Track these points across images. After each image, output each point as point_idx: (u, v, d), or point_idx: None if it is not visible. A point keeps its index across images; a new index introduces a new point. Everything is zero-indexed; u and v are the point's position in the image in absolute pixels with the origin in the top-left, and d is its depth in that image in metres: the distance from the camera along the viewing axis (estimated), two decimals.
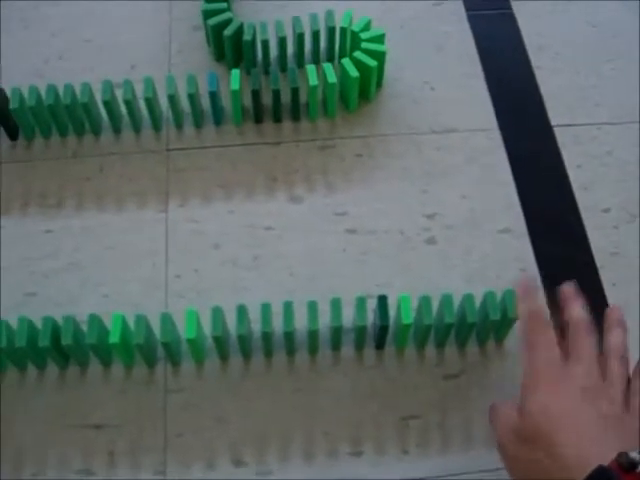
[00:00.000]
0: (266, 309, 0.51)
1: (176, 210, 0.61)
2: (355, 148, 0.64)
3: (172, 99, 0.62)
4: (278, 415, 0.51)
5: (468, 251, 0.59)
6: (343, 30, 0.66)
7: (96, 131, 0.64)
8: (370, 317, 0.52)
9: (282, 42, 0.66)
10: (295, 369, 0.53)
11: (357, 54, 0.64)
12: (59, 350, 0.51)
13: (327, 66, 0.63)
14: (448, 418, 0.51)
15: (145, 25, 0.72)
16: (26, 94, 0.62)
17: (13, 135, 0.64)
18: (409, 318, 0.50)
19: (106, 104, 0.62)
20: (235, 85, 0.62)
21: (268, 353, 0.53)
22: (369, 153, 0.64)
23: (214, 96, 0.62)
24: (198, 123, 0.65)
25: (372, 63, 0.63)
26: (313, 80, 0.62)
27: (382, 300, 0.51)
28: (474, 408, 0.52)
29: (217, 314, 0.50)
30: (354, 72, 0.63)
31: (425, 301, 0.51)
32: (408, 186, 0.62)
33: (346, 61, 0.63)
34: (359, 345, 0.54)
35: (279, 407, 0.52)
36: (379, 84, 0.67)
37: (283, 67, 0.68)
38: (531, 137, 0.65)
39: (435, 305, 0.51)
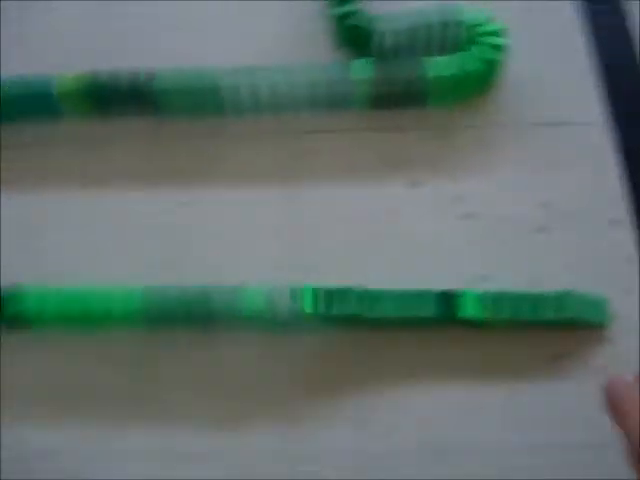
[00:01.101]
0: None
1: (302, 194, 0.65)
2: (472, 136, 0.67)
3: (297, 85, 0.66)
4: None
5: (579, 243, 0.62)
6: (465, 22, 0.69)
7: (227, 113, 0.69)
8: None
9: (407, 31, 0.69)
10: None
11: (477, 47, 0.67)
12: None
13: (449, 57, 0.66)
14: None
15: (270, 10, 0.76)
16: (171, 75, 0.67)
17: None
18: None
19: (234, 89, 0.66)
20: (359, 73, 0.66)
21: None
22: (486, 142, 0.67)
23: (337, 84, 0.66)
24: (323, 109, 0.69)
25: (492, 56, 0.66)
26: (436, 70, 0.65)
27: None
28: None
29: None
30: (475, 64, 0.66)
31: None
32: (523, 175, 0.65)
33: (467, 53, 0.66)
34: None
35: None
36: (496, 75, 0.70)
37: (406, 56, 0.71)
38: None
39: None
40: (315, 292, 0.57)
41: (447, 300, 0.57)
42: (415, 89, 0.67)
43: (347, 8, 0.71)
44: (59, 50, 0.73)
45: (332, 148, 0.68)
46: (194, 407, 0.58)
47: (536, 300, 0.57)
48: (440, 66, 0.66)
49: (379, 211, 0.64)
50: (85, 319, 0.58)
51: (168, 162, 0.68)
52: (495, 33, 0.68)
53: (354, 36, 0.70)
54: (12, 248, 0.64)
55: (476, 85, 0.68)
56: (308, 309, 0.57)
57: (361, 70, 0.66)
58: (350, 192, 0.66)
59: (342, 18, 0.70)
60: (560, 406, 0.56)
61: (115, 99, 0.68)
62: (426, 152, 0.67)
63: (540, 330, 0.58)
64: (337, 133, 0.68)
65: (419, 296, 0.57)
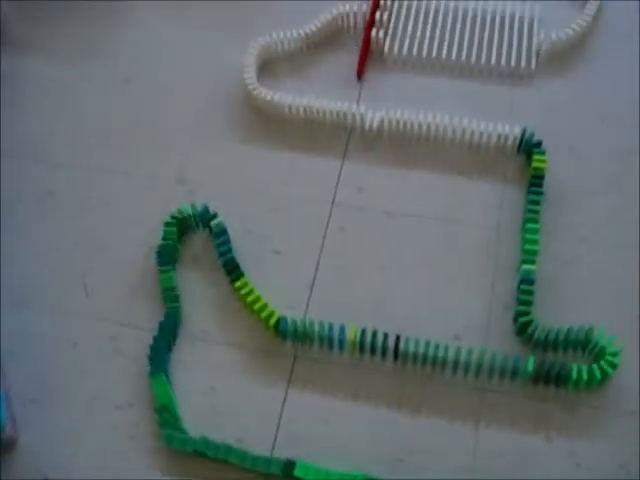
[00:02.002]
0: None
1: (485, 433, 1.08)
2: (590, 414, 1.08)
3: (481, 362, 1.10)
4: None
5: None
6: (597, 341, 1.11)
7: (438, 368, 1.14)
8: None
9: (559, 336, 1.12)
10: None
11: (602, 363, 1.09)
12: None
13: (586, 366, 1.08)
14: None
15: (466, 298, 1.20)
16: (412, 341, 1.13)
17: None
18: None
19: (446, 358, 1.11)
20: (530, 367, 1.09)
21: None
22: (599, 422, 1.08)
23: (509, 366, 1.09)
24: (498, 378, 1.13)
25: (611, 370, 1.08)
26: (576, 373, 1.07)
27: None
28: None
29: None
30: (598, 375, 1.08)
31: None
32: None
33: (594, 366, 1.09)
34: None
35: None
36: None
37: (557, 349, 1.14)
38: None
39: None
40: None
41: None
42: (560, 378, 1.09)
43: (527, 318, 1.14)
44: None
45: (502, 402, 1.10)
46: None
47: None
48: (579, 371, 1.08)
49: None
50: None
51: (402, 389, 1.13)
52: (616, 353, 1.10)
53: (526, 333, 1.14)
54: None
55: (599, 382, 1.09)
56: None
57: (528, 362, 1.08)
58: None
59: (523, 325, 1.14)
60: None
61: (371, 349, 1.14)
62: (560, 416, 1.09)
63: None
64: (505, 395, 1.11)
65: None
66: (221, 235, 1.26)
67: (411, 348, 1.12)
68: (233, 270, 1.22)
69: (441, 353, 1.11)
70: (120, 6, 1.61)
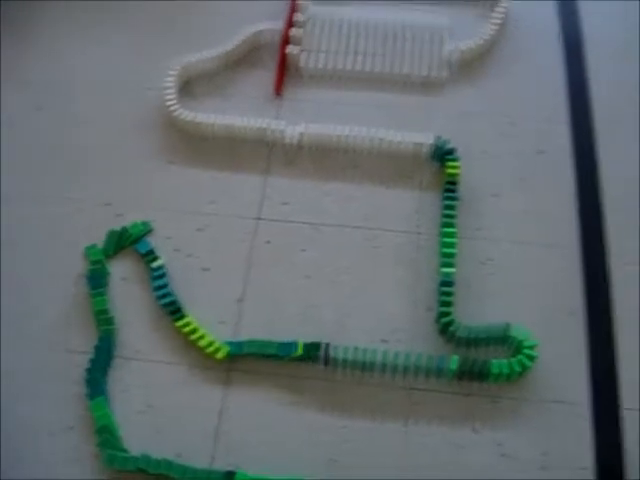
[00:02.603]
0: None
1: (415, 430, 1.14)
2: (511, 406, 1.15)
3: (409, 364, 1.15)
4: None
5: None
6: (515, 337, 1.18)
7: (367, 370, 1.18)
8: None
9: (480, 333, 1.18)
10: None
11: (521, 357, 1.15)
12: None
13: (506, 361, 1.14)
14: None
15: (391, 302, 1.25)
16: (341, 349, 1.17)
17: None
18: None
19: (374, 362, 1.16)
20: (454, 365, 1.14)
21: None
22: (519, 413, 1.14)
23: (435, 365, 1.15)
24: (425, 376, 1.18)
25: (529, 363, 1.15)
26: (496, 368, 1.13)
27: None
28: None
29: None
30: (519, 366, 1.14)
31: None
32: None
33: (513, 360, 1.15)
34: None
35: None
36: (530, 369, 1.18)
37: (478, 346, 1.20)
38: None
39: None
40: None
41: None
42: (482, 374, 1.15)
43: (448, 319, 1.20)
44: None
45: (429, 400, 1.15)
46: None
47: None
48: (499, 366, 1.14)
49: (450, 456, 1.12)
50: None
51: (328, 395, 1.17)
52: (532, 347, 1.16)
53: (448, 333, 1.19)
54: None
55: (519, 375, 1.15)
56: None
57: (451, 360, 1.14)
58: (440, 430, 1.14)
59: (445, 325, 1.20)
60: None
61: (310, 358, 1.18)
62: (485, 409, 1.15)
63: None
64: (432, 392, 1.17)
65: None
66: (159, 273, 1.28)
67: (340, 354, 1.16)
68: (175, 311, 1.24)
69: (369, 357, 1.15)
70: (29, 32, 1.61)
